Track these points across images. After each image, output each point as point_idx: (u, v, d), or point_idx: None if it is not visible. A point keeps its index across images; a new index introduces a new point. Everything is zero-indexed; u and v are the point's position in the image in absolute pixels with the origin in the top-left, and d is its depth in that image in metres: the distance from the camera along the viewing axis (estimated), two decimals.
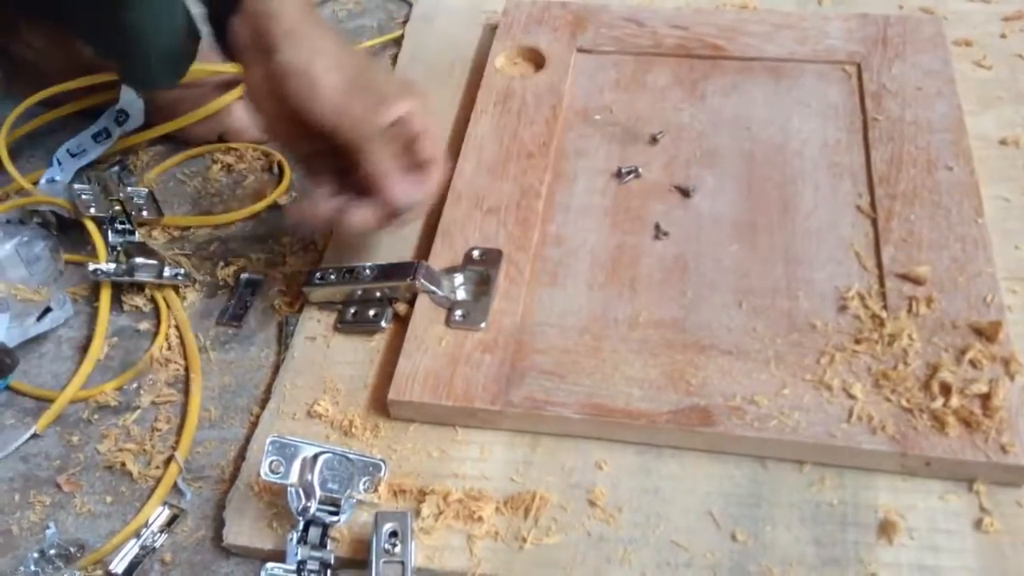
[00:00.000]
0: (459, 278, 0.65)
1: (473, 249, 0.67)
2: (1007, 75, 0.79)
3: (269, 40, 0.59)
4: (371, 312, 0.66)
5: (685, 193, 0.70)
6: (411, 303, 0.66)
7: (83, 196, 0.73)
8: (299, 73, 0.59)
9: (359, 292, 0.66)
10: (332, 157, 0.62)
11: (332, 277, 0.67)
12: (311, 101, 0.59)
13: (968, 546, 0.53)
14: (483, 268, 0.66)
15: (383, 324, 0.65)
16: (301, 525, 0.55)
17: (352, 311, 0.67)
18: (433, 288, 0.64)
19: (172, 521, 0.59)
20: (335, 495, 0.55)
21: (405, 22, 0.93)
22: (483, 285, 0.65)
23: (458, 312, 0.63)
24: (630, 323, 0.63)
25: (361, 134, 0.59)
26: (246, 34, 0.60)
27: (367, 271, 0.66)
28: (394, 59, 0.89)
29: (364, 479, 0.56)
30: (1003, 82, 0.78)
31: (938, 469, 0.55)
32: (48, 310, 0.70)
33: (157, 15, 0.69)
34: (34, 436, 0.64)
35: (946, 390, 0.57)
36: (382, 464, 0.57)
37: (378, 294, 0.66)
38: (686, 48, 0.81)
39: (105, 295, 0.72)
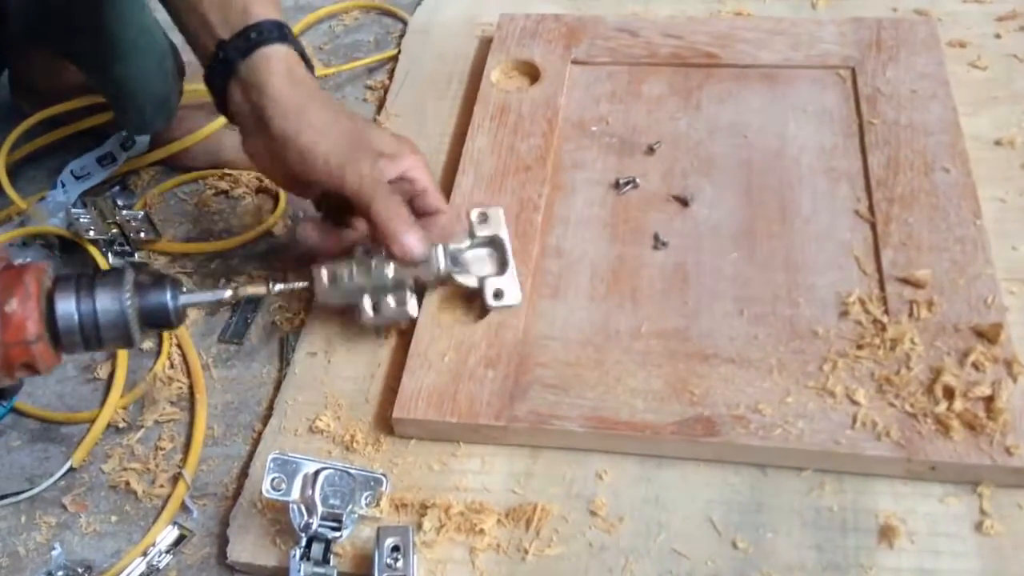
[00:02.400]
0: (474, 253, 0.65)
1: (472, 209, 0.67)
2: (1002, 75, 0.79)
3: (260, 112, 0.61)
4: (391, 301, 0.62)
5: (683, 202, 0.71)
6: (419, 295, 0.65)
7: (81, 220, 0.74)
8: (291, 145, 0.60)
9: (370, 276, 0.61)
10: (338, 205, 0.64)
11: (345, 276, 0.61)
12: (309, 170, 0.61)
13: (969, 549, 0.53)
14: (488, 230, 0.65)
15: (411, 312, 0.62)
16: (304, 541, 0.55)
17: (371, 304, 0.62)
18: (459, 268, 0.64)
19: (179, 541, 0.60)
20: (337, 511, 0.55)
21: (401, 36, 0.93)
22: (497, 252, 0.65)
23: (491, 291, 0.63)
24: (632, 334, 0.63)
25: (366, 191, 0.60)
26: (241, 102, 0.62)
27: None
28: (391, 73, 0.89)
29: (366, 494, 0.57)
30: (998, 82, 0.78)
31: (943, 473, 0.55)
32: None
33: (147, 69, 0.71)
34: (70, 469, 0.64)
35: (949, 394, 0.57)
36: (383, 478, 0.57)
37: (390, 275, 0.61)
38: (680, 57, 0.81)
39: None
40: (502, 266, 0.65)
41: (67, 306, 0.50)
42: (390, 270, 0.61)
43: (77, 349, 0.52)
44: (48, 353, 0.50)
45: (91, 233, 0.75)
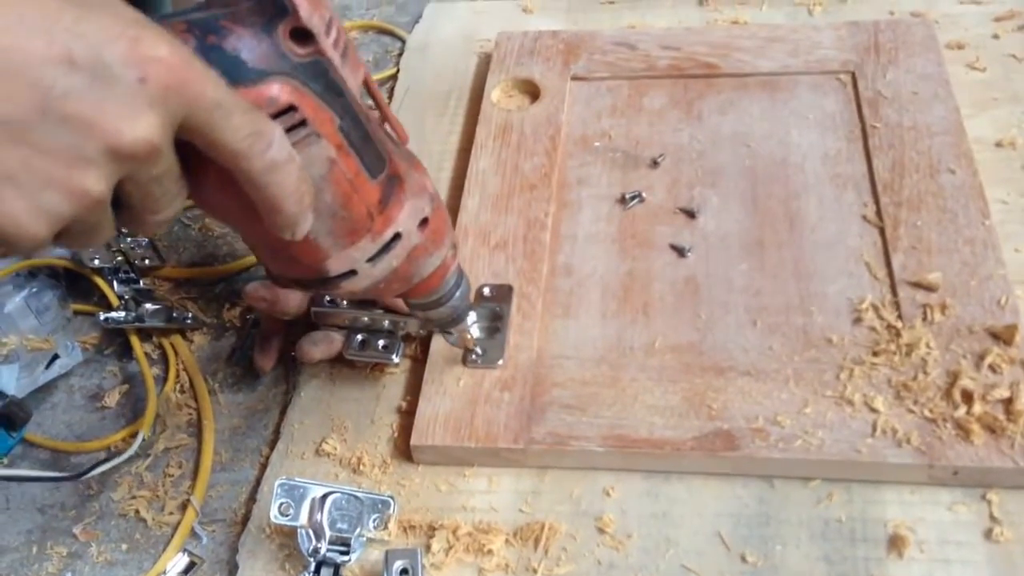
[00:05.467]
0: (472, 316, 0.65)
1: (484, 286, 0.67)
2: (1001, 76, 0.79)
3: None
4: (381, 343, 0.65)
5: (690, 214, 0.70)
6: (422, 341, 0.66)
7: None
8: None
9: (365, 319, 0.65)
10: None
11: (343, 302, 0.64)
12: None
13: (979, 557, 0.53)
14: (495, 304, 0.66)
15: (394, 359, 0.64)
16: (312, 566, 0.55)
17: (359, 339, 0.65)
18: (450, 330, 0.64)
19: (190, 568, 0.59)
20: (345, 534, 0.55)
21: (400, 55, 0.93)
22: (496, 321, 0.65)
23: (475, 351, 0.63)
24: (646, 350, 0.63)
25: None
26: None
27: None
28: (391, 92, 0.89)
29: (373, 517, 0.57)
30: (997, 83, 0.78)
31: (966, 478, 0.55)
32: (56, 357, 0.70)
33: None
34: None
35: (968, 397, 0.57)
36: (391, 501, 0.57)
37: (386, 323, 0.64)
38: (679, 68, 0.81)
39: (136, 345, 0.71)
40: (492, 332, 0.64)
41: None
42: (387, 320, 0.64)
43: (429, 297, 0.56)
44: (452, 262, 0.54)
45: (96, 262, 0.75)
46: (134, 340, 0.72)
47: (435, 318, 0.58)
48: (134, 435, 0.67)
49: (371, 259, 0.48)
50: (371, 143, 0.46)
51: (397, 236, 0.48)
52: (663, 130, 0.77)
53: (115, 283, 0.75)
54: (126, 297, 0.73)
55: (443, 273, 0.54)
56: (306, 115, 0.42)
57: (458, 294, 0.56)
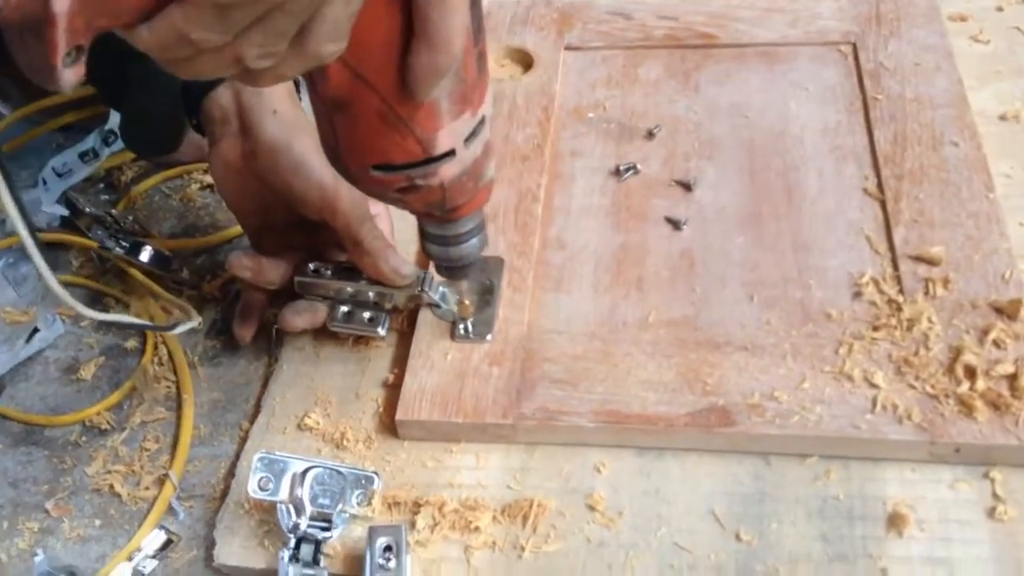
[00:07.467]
0: (459, 287, 0.63)
1: None
2: (1005, 49, 0.77)
3: (253, 116, 0.61)
4: (366, 315, 0.63)
5: (686, 187, 0.69)
6: (409, 314, 0.64)
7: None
8: (284, 154, 0.60)
9: (349, 290, 0.62)
10: (291, 232, 0.64)
11: (328, 272, 0.63)
12: (299, 181, 0.60)
13: (981, 536, 0.51)
14: (484, 277, 0.64)
15: (380, 331, 0.62)
16: (292, 542, 0.53)
17: (344, 310, 0.63)
18: (439, 302, 0.62)
19: (166, 546, 0.58)
20: (326, 510, 0.53)
21: None
22: (486, 295, 0.63)
23: (463, 325, 0.61)
24: (640, 324, 0.61)
25: (357, 212, 0.60)
26: (227, 106, 0.62)
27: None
28: None
29: (357, 492, 0.55)
30: (1001, 56, 0.76)
31: (968, 455, 0.53)
32: (36, 331, 0.68)
33: (167, 94, 0.70)
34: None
35: (971, 373, 0.55)
36: (375, 476, 0.55)
37: (371, 294, 0.62)
38: (676, 39, 0.79)
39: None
40: (482, 306, 0.62)
41: None
42: (372, 291, 0.62)
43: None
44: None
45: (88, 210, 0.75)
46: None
47: (454, 256, 0.55)
48: (110, 409, 0.65)
49: (467, 139, 0.47)
50: (479, 6, 0.45)
51: (483, 120, 0.48)
52: (659, 101, 0.75)
53: (105, 240, 0.73)
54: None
55: (487, 194, 0.53)
56: None
57: (482, 235, 0.55)
